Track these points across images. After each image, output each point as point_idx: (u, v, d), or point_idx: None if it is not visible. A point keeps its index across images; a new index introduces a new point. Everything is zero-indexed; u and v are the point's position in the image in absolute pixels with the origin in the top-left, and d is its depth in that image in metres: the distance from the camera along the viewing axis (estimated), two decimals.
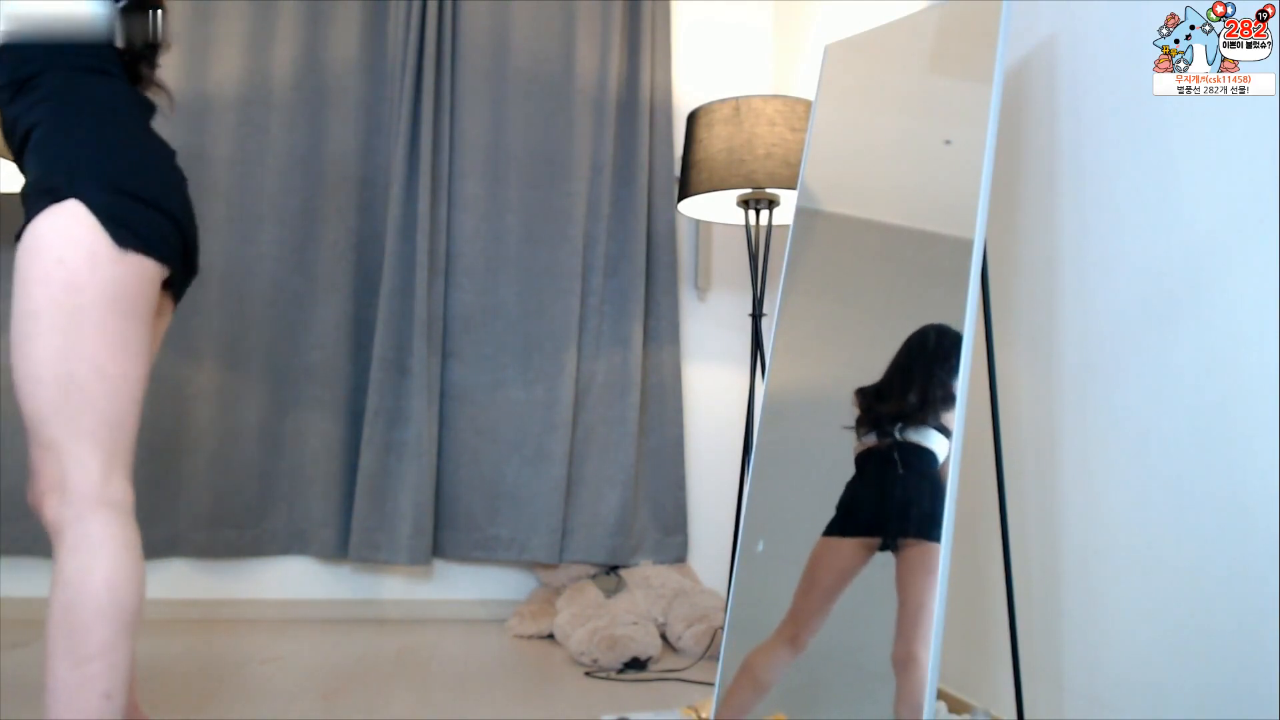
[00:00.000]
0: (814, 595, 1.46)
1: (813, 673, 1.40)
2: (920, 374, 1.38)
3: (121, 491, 1.14)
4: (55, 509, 1.11)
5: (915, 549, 1.33)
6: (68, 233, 1.10)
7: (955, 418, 1.30)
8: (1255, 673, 1.17)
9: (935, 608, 1.24)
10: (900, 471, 1.39)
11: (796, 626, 1.46)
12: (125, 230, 1.13)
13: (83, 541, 1.10)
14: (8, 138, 1.22)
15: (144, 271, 1.16)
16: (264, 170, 2.58)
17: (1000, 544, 1.53)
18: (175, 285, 1.29)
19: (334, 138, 2.63)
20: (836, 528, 1.46)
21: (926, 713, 1.20)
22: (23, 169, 1.20)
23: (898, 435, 1.38)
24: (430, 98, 2.62)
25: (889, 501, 1.40)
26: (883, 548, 1.38)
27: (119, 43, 1.24)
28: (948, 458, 1.30)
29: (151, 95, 1.34)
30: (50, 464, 1.11)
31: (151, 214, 1.17)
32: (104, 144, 1.17)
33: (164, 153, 1.26)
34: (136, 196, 1.16)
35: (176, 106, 2.52)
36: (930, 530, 1.32)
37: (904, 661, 1.28)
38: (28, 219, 1.13)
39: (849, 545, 1.44)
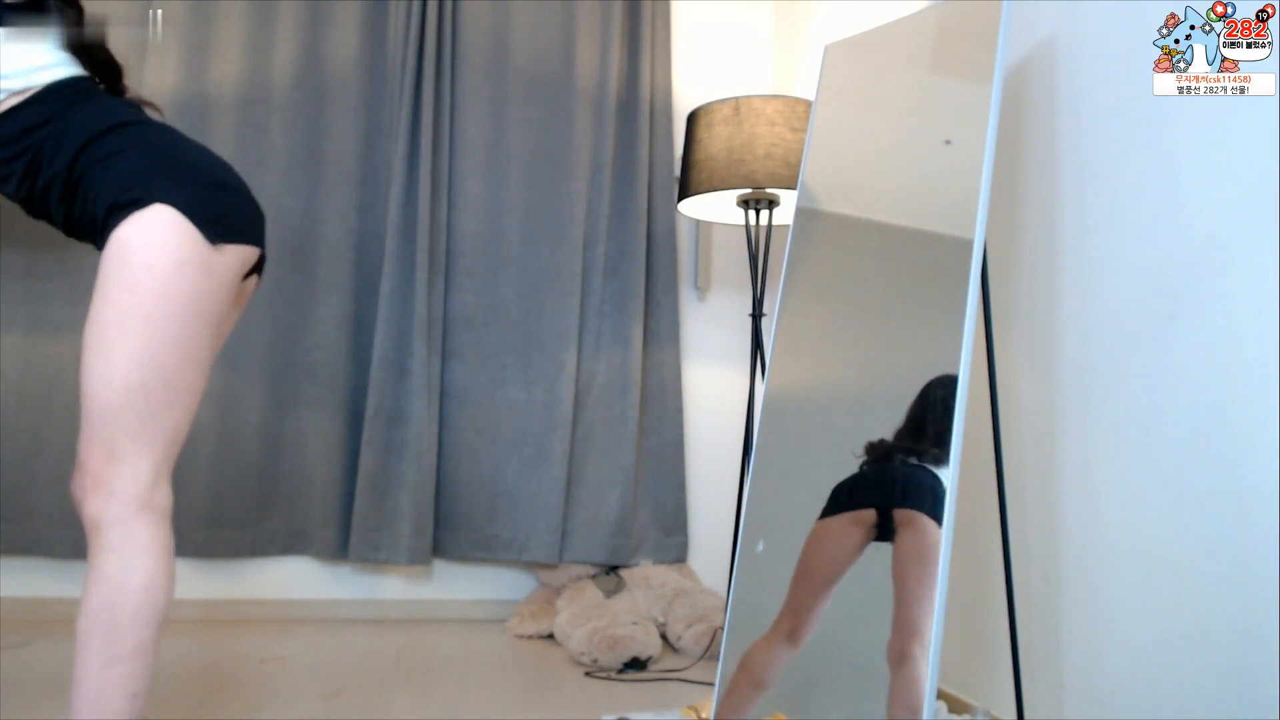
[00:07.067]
0: (809, 585, 1.44)
1: (810, 672, 1.39)
2: (920, 403, 1.37)
3: (165, 497, 1.16)
4: (98, 506, 1.11)
5: (911, 538, 1.31)
6: (156, 239, 1.11)
7: (956, 412, 1.30)
8: (1255, 673, 1.17)
9: (935, 603, 1.24)
10: (899, 460, 1.38)
11: (794, 620, 1.45)
12: (215, 225, 1.15)
13: (126, 542, 1.11)
14: (40, 205, 1.23)
15: (239, 258, 1.20)
16: (264, 170, 2.58)
17: (1000, 544, 1.53)
18: (259, 264, 1.31)
19: (334, 138, 2.63)
20: (830, 509, 1.45)
21: (926, 713, 1.20)
22: (69, 220, 1.21)
23: (907, 460, 1.37)
24: (430, 98, 2.62)
25: (887, 480, 1.38)
26: (879, 538, 1.36)
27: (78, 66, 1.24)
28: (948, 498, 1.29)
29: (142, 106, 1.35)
30: (99, 461, 1.12)
31: (235, 197, 1.21)
32: (166, 145, 1.19)
33: None
34: (219, 183, 1.19)
35: (176, 107, 2.53)
36: (930, 505, 1.29)
37: (898, 658, 1.26)
38: (106, 234, 1.14)
39: (843, 530, 1.43)
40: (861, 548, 1.39)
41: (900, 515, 1.35)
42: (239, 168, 2.57)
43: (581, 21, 2.77)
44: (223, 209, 1.18)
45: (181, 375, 1.15)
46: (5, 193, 1.23)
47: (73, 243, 2.47)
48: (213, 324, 1.18)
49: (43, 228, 2.45)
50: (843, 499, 1.45)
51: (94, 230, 1.19)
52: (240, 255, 1.21)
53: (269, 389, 2.55)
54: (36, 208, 1.24)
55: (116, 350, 1.11)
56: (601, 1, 2.79)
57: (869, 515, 1.40)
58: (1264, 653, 1.16)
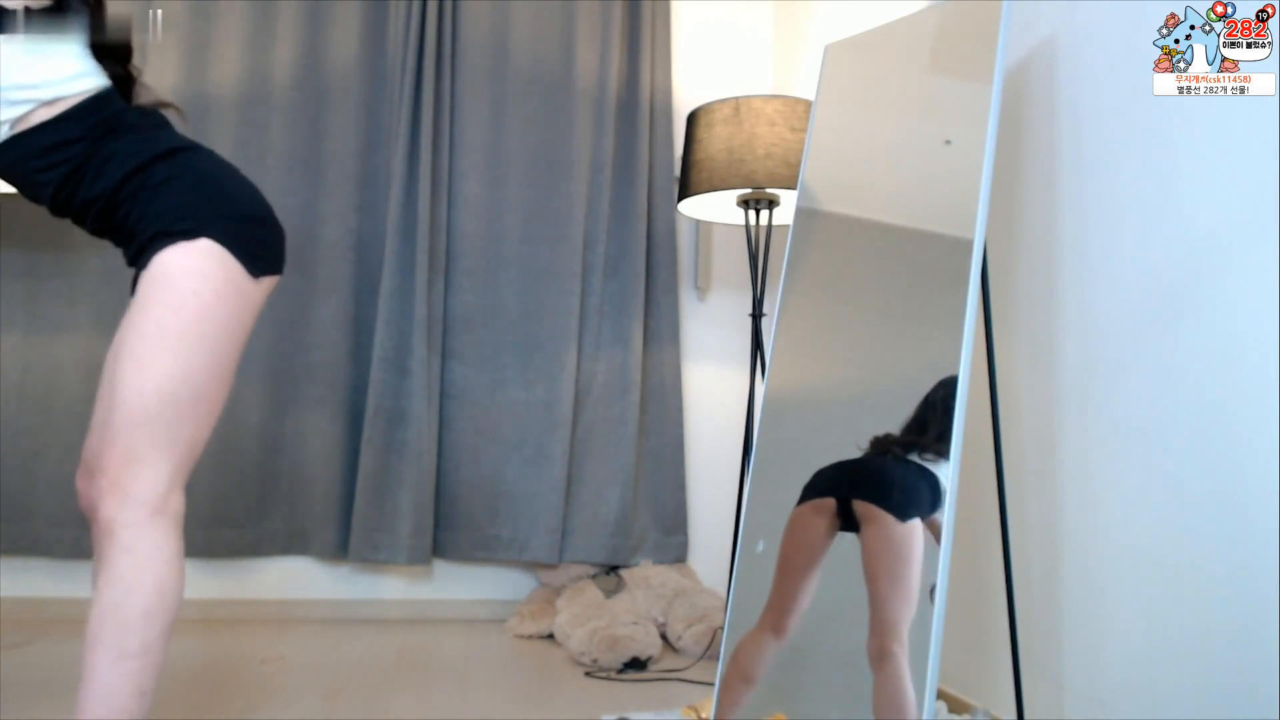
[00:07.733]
0: (787, 576, 1.45)
1: (804, 668, 1.40)
2: (922, 404, 1.37)
3: (179, 504, 1.20)
4: (113, 508, 1.14)
5: (875, 535, 1.32)
6: (203, 269, 1.19)
7: (956, 412, 1.30)
8: (1255, 673, 1.17)
9: (933, 602, 1.24)
10: (892, 456, 1.38)
11: (777, 612, 1.46)
12: (256, 259, 1.24)
13: (139, 544, 1.14)
14: (75, 217, 1.27)
15: (271, 286, 1.30)
16: (264, 170, 2.58)
17: (1000, 544, 1.53)
18: None
19: (334, 138, 2.63)
20: (802, 497, 1.46)
21: (926, 713, 1.20)
22: (102, 229, 1.26)
23: (906, 456, 1.36)
24: (430, 98, 2.62)
25: (858, 470, 1.39)
26: (844, 527, 1.37)
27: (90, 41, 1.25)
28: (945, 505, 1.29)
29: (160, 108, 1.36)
30: (117, 465, 1.14)
31: (271, 231, 1.29)
32: (213, 177, 1.25)
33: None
34: (258, 218, 1.28)
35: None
36: (888, 499, 1.29)
37: (878, 656, 1.27)
38: (150, 253, 1.19)
39: (808, 519, 1.44)
40: (829, 536, 1.40)
41: (860, 509, 1.37)
42: (239, 168, 2.57)
43: (581, 21, 2.77)
44: (263, 244, 1.26)
45: (208, 389, 1.20)
46: (38, 200, 1.26)
47: (73, 243, 2.47)
48: (242, 345, 1.26)
49: (42, 228, 2.46)
50: (807, 488, 1.47)
51: (128, 241, 1.24)
52: (272, 284, 1.31)
53: (269, 389, 2.55)
54: (69, 216, 1.27)
55: (151, 363, 1.15)
56: (601, 1, 2.79)
57: (829, 504, 1.41)
58: (1264, 653, 1.16)
